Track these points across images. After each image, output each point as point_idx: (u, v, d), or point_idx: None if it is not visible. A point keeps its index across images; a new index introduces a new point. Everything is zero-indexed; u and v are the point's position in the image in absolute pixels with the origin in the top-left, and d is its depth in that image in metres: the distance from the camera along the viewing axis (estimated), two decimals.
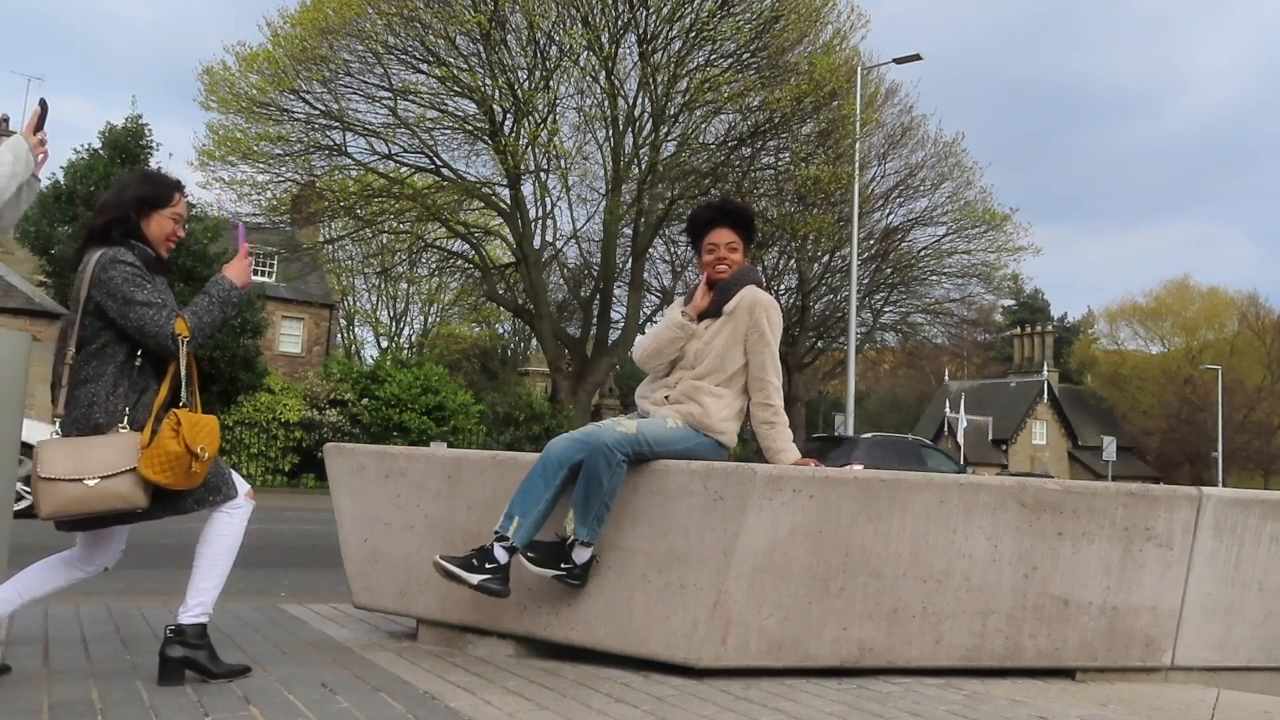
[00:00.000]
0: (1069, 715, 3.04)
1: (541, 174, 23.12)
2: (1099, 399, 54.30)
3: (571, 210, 41.52)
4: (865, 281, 30.42)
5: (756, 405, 3.59)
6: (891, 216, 31.00)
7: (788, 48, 22.35)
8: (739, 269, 3.66)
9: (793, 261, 30.53)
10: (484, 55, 21.49)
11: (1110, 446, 35.57)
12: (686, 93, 21.96)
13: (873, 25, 54.87)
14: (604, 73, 21.97)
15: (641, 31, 21.71)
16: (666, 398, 3.55)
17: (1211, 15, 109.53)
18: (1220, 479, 43.05)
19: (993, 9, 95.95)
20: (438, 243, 25.88)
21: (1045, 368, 51.29)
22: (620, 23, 21.58)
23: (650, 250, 26.25)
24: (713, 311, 3.61)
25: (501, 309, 31.06)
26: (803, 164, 23.67)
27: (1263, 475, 47.75)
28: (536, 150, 22.36)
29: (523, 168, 22.29)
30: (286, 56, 20.55)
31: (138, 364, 2.95)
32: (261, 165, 21.56)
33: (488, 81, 21.52)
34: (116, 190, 3.10)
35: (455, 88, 21.47)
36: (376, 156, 22.44)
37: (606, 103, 22.76)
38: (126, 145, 19.49)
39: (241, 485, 3.10)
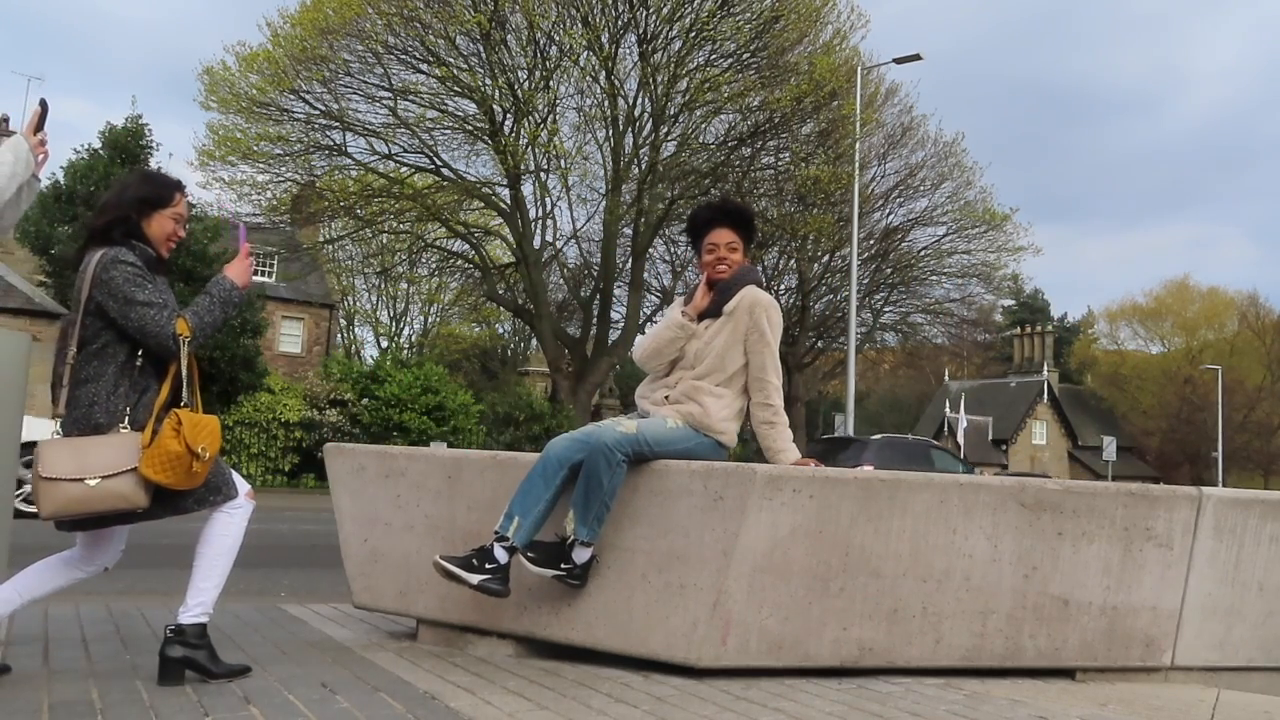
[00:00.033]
0: (1069, 715, 3.04)
1: (541, 174, 23.15)
2: (1099, 399, 54.29)
3: (571, 210, 41.57)
4: (865, 281, 30.43)
5: (756, 405, 3.59)
6: (891, 216, 31.05)
7: (788, 48, 22.35)
8: (739, 269, 3.66)
9: (793, 261, 30.54)
10: (484, 55, 21.49)
11: (1110, 446, 35.57)
12: (686, 93, 21.97)
13: (873, 25, 54.92)
14: (604, 73, 21.97)
15: (641, 31, 21.71)
16: (666, 398, 3.55)
17: (1211, 15, 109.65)
18: (1220, 479, 43.05)
19: (993, 9, 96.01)
20: (438, 243, 25.89)
21: (1045, 368, 51.29)
22: (620, 23, 21.59)
23: (650, 250, 26.26)
24: (713, 311, 3.61)
25: (501, 309, 31.07)
26: (803, 164, 23.67)
27: (1263, 475, 47.74)
28: (536, 150, 22.37)
29: (523, 168, 22.29)
30: (286, 56, 20.55)
31: (138, 364, 2.96)
32: (261, 165, 21.57)
33: (488, 81, 21.53)
34: (117, 190, 3.10)
35: (455, 88, 21.48)
36: (376, 156, 22.46)
37: (606, 103, 22.76)
38: (126, 145, 19.50)
39: (242, 485, 3.10)
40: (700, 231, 3.73)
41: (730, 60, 22.24)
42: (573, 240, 27.13)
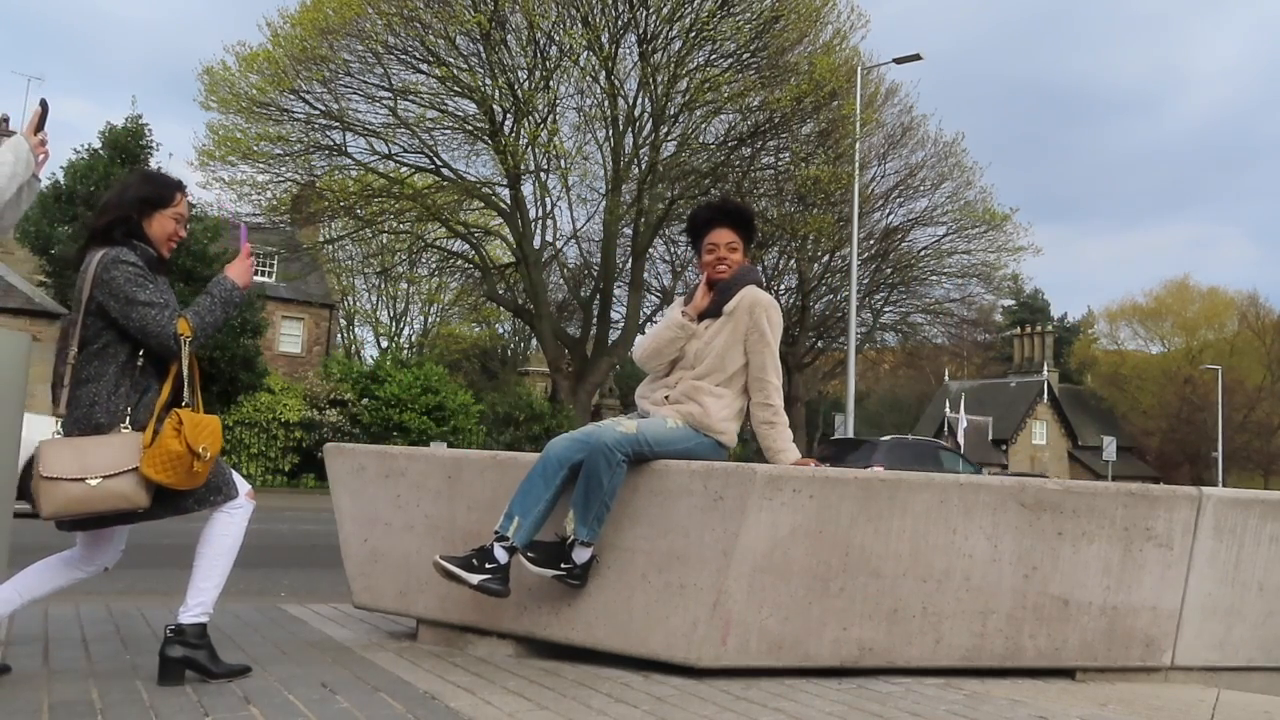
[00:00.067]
0: (1069, 715, 3.05)
1: (541, 174, 23.15)
2: (1099, 399, 54.29)
3: (571, 210, 41.57)
4: (865, 281, 30.43)
5: (756, 405, 3.59)
6: (891, 216, 31.06)
7: (788, 48, 22.35)
8: (739, 269, 3.66)
9: (793, 261, 30.54)
10: (484, 55, 21.49)
11: (1110, 446, 35.57)
12: (686, 93, 21.97)
13: (873, 25, 54.92)
14: (604, 73, 21.97)
15: (641, 31, 21.71)
16: (666, 398, 3.55)
17: (1211, 15, 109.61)
18: (1220, 479, 43.05)
19: (993, 9, 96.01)
20: (438, 243, 25.89)
21: (1045, 368, 51.30)
22: (620, 23, 21.59)
23: (650, 250, 26.26)
24: (713, 311, 3.61)
25: (501, 309, 31.07)
26: (803, 164, 23.67)
27: (1263, 475, 47.74)
28: (536, 150, 22.37)
29: (523, 168, 22.30)
30: (286, 56, 20.56)
31: (139, 364, 2.96)
32: (261, 165, 21.57)
33: (488, 81, 21.53)
34: (118, 190, 3.11)
35: (455, 88, 21.48)
36: (376, 156, 22.46)
37: (606, 103, 22.76)
38: (126, 145, 19.51)
39: (242, 485, 3.10)
40: (700, 231, 3.73)
41: (730, 60, 22.24)
42: (573, 240, 27.18)
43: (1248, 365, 49.41)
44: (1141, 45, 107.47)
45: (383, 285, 39.75)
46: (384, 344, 41.75)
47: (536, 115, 22.22)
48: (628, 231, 24.28)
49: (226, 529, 3.03)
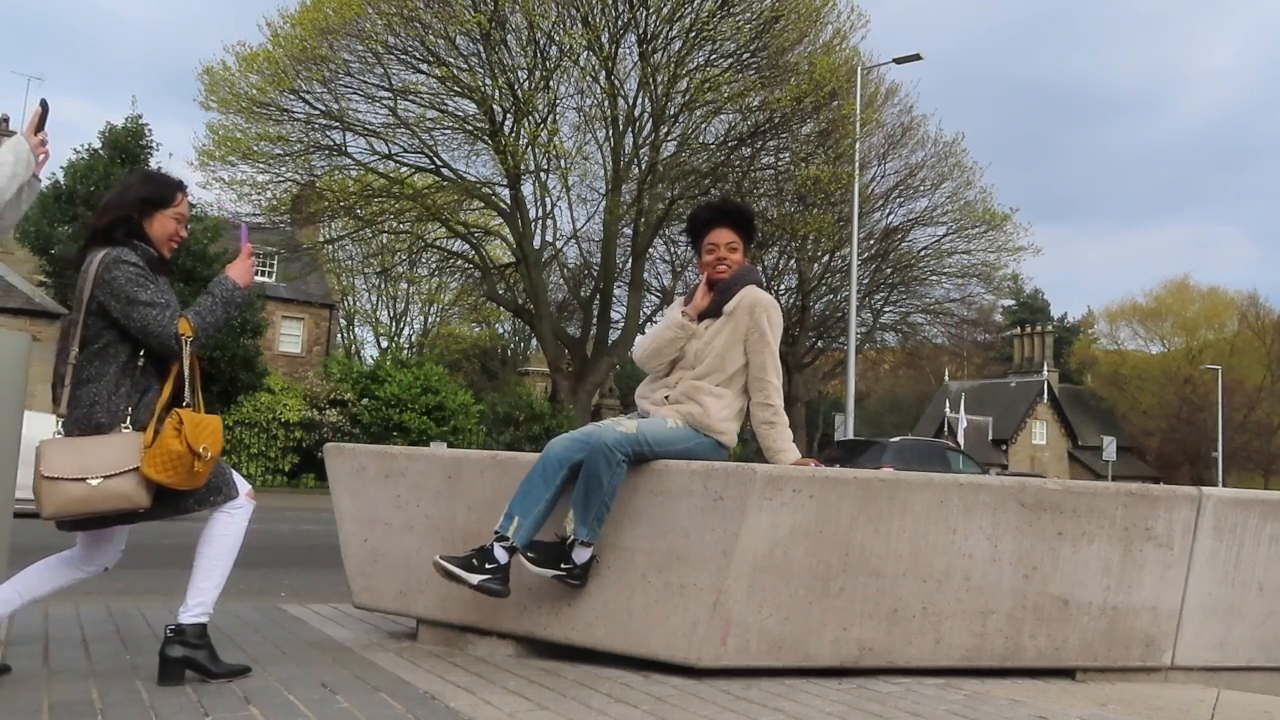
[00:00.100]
0: (1069, 715, 3.05)
1: (541, 174, 23.15)
2: (1099, 399, 54.29)
3: (571, 210, 41.56)
4: (865, 281, 30.43)
5: (756, 405, 3.59)
6: (891, 216, 31.06)
7: (788, 48, 22.35)
8: (739, 269, 3.66)
9: (793, 261, 30.54)
10: (484, 55, 21.49)
11: (1110, 446, 35.57)
12: (686, 93, 21.97)
13: (873, 25, 54.87)
14: (604, 73, 21.97)
15: (641, 31, 21.71)
16: (666, 398, 3.56)
17: (1211, 15, 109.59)
18: (1220, 479, 43.04)
19: (993, 9, 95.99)
20: (438, 243, 25.89)
21: (1045, 368, 51.29)
22: (620, 23, 21.58)
23: (650, 250, 26.26)
24: (713, 311, 3.61)
25: (501, 309, 31.07)
26: (803, 164, 23.67)
27: (1263, 475, 47.73)
28: (536, 150, 22.37)
29: (523, 168, 22.30)
30: (286, 56, 20.55)
31: (140, 364, 2.96)
32: (261, 165, 21.57)
33: (488, 81, 21.53)
34: (119, 190, 3.11)
35: (455, 88, 21.48)
36: (376, 156, 22.46)
37: (606, 103, 22.77)
38: (126, 145, 19.51)
39: (242, 485, 3.10)
40: (700, 231, 3.73)
41: (730, 60, 22.24)
42: (573, 240, 27.17)
43: (1248, 365, 49.40)
44: (1141, 45, 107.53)
45: (383, 285, 39.76)
46: (384, 344, 41.78)
47: (536, 115, 22.23)
48: (628, 231, 24.28)
49: (227, 529, 3.03)
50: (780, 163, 24.77)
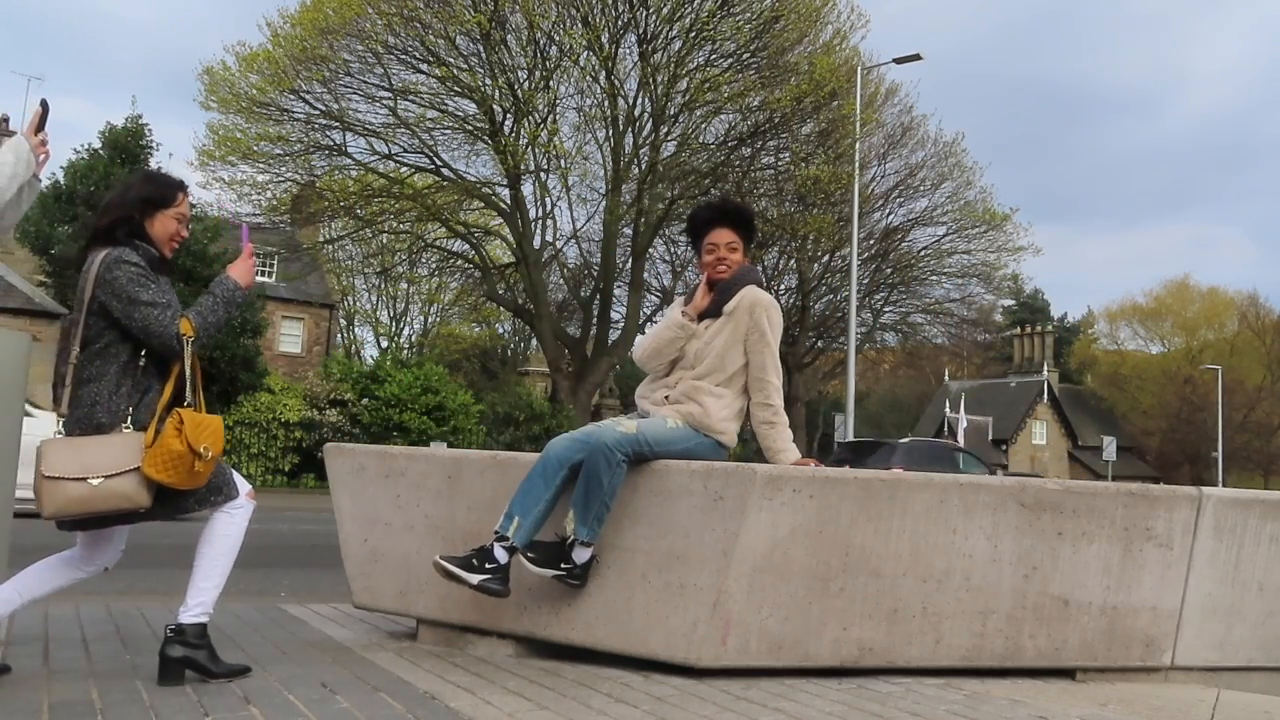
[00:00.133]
0: (1069, 715, 3.05)
1: (541, 174, 23.15)
2: (1099, 399, 54.28)
3: (571, 210, 41.58)
4: (865, 281, 30.43)
5: (756, 405, 3.59)
6: (891, 216, 31.06)
7: (788, 48, 22.35)
8: (739, 269, 3.66)
9: (793, 261, 30.54)
10: (484, 55, 21.49)
11: (1110, 446, 35.57)
12: (686, 93, 21.97)
13: (873, 25, 54.81)
14: (604, 73, 21.97)
15: (641, 31, 21.71)
16: (666, 398, 3.56)
17: (1211, 15, 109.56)
18: (1220, 479, 43.03)
19: (993, 9, 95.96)
20: (438, 243, 25.89)
21: (1045, 368, 51.28)
22: (620, 23, 21.59)
23: (650, 250, 26.26)
24: (713, 311, 3.61)
25: (501, 309, 31.06)
26: (803, 164, 23.67)
27: (1263, 475, 47.72)
28: (536, 150, 22.37)
29: (523, 168, 22.29)
30: (286, 56, 20.55)
31: (141, 364, 2.96)
32: (261, 165, 21.57)
33: (488, 81, 21.53)
34: (121, 190, 3.11)
35: (455, 88, 21.48)
36: (376, 156, 22.46)
37: (606, 103, 22.77)
38: (126, 145, 19.51)
39: (243, 485, 3.10)
40: (700, 231, 3.73)
41: (730, 60, 22.24)
42: (573, 240, 27.17)
43: (1248, 365, 49.40)
44: (1141, 45, 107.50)
45: (383, 285, 39.77)
46: (384, 344, 41.78)
47: (536, 115, 22.23)
48: (628, 231, 24.28)
49: (227, 529, 3.03)
50: (780, 163, 24.77)
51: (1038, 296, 63.01)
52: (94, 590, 4.58)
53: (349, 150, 22.25)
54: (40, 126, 3.02)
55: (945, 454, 18.92)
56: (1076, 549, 3.54)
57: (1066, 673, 3.60)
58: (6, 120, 23.75)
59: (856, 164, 23.38)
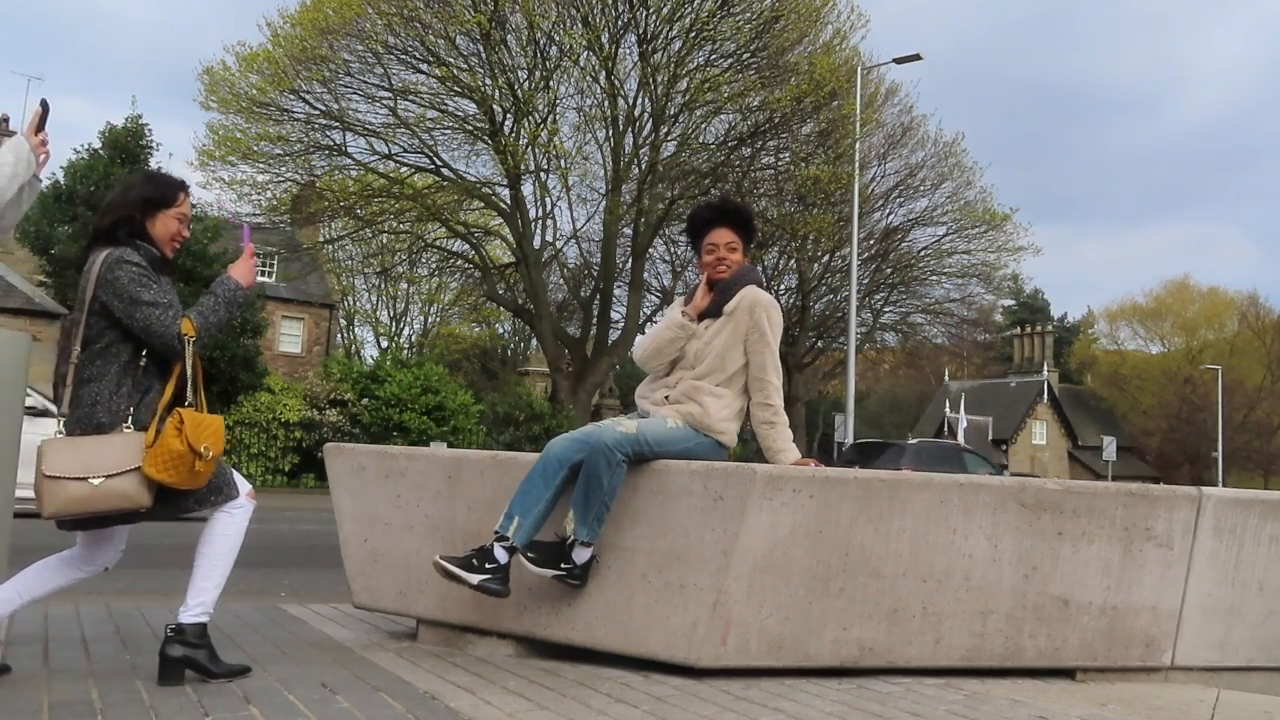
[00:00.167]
0: (1069, 715, 3.05)
1: (541, 174, 23.14)
2: (1099, 399, 54.28)
3: (571, 210, 41.57)
4: (865, 281, 30.43)
5: (756, 405, 3.59)
6: (891, 216, 31.06)
7: (788, 48, 22.35)
8: (739, 269, 3.66)
9: (793, 261, 30.54)
10: (484, 55, 21.49)
11: (1110, 446, 35.57)
12: (686, 93, 21.97)
13: (873, 25, 54.75)
14: (604, 73, 21.97)
15: (641, 31, 21.71)
16: (666, 398, 3.56)
17: (1211, 15, 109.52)
18: (1220, 479, 43.03)
19: (993, 9, 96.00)
20: (438, 243, 25.89)
21: (1045, 368, 51.28)
22: (620, 23, 21.59)
23: (650, 250, 26.26)
24: (713, 311, 3.61)
25: (501, 309, 31.06)
26: (803, 164, 23.67)
27: (1263, 475, 47.72)
28: (536, 150, 22.37)
29: (523, 168, 22.29)
30: (286, 56, 20.55)
31: (142, 364, 2.96)
32: (261, 165, 21.57)
33: (488, 81, 21.53)
34: (122, 190, 3.11)
35: (455, 88, 21.48)
36: (376, 156, 22.45)
37: (606, 103, 22.76)
38: (126, 145, 19.51)
39: (243, 485, 3.10)
40: (700, 231, 3.73)
41: (730, 60, 22.24)
42: (573, 240, 27.16)
43: (1248, 365, 49.39)
44: (1141, 45, 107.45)
45: (383, 285, 39.76)
46: (384, 344, 41.79)
47: (536, 115, 22.23)
48: (628, 231, 24.28)
49: (227, 529, 3.03)
50: (780, 163, 24.77)
51: (1038, 296, 63.02)
52: (94, 590, 4.58)
53: (349, 150, 22.26)
54: (40, 126, 3.02)
55: (953, 455, 19.10)
56: (1076, 549, 3.54)
57: (1066, 673, 3.60)
58: (6, 120, 23.75)
59: (856, 164, 23.39)
